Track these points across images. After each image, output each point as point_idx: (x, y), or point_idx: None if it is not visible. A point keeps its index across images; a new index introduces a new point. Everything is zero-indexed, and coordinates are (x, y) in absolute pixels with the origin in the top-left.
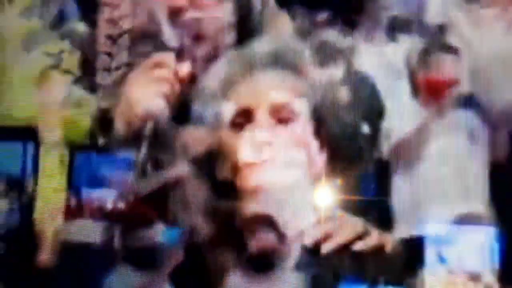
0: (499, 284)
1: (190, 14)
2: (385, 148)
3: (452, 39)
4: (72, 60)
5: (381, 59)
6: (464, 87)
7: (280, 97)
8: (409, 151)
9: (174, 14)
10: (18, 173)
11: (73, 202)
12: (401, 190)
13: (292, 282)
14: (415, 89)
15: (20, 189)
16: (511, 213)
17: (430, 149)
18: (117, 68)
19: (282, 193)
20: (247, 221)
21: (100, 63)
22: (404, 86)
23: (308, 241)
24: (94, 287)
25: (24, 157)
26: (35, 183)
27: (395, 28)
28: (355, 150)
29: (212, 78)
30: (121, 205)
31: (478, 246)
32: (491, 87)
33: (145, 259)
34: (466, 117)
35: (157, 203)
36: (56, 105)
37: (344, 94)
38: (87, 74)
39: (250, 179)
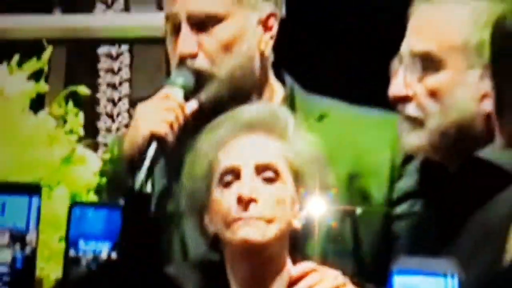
0: None
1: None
2: None
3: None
4: (75, 121)
5: None
6: None
7: (264, 158)
8: None
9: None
10: (23, 225)
11: (71, 253)
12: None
13: None
14: None
15: (23, 240)
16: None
17: None
18: (118, 129)
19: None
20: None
21: (102, 124)
22: None
23: None
24: None
25: (29, 211)
26: (38, 235)
27: None
28: None
29: (204, 138)
30: (115, 256)
31: None
32: None
33: None
34: None
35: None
36: (60, 163)
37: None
38: (90, 134)
39: (237, 233)
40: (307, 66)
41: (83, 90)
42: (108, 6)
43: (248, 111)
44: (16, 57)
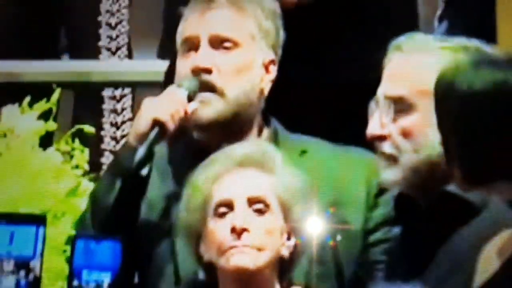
0: None
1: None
2: None
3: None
4: (81, 157)
5: None
6: None
7: (255, 192)
8: None
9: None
10: (29, 253)
11: (75, 283)
12: None
13: None
14: None
15: (28, 267)
16: None
17: None
18: None
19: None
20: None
21: (106, 160)
22: None
23: None
24: None
25: (36, 240)
26: (42, 262)
27: None
28: None
29: (200, 173)
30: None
31: None
32: None
33: None
34: None
35: None
36: (66, 195)
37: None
38: (94, 169)
39: (230, 260)
40: (290, 109)
41: (89, 129)
42: (113, 53)
43: (240, 148)
44: (27, 99)
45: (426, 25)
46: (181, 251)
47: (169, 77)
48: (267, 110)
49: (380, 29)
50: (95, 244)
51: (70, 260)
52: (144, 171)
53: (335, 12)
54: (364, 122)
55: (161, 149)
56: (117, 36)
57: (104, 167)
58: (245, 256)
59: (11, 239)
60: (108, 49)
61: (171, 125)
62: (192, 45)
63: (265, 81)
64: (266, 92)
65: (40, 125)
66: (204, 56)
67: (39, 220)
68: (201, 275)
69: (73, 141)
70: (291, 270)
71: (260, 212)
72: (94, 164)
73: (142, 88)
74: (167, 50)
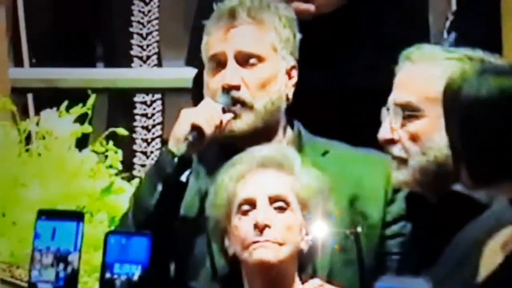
0: None
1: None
2: None
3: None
4: (115, 157)
5: None
6: None
7: (276, 191)
8: None
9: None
10: (70, 248)
11: (107, 276)
12: None
13: None
14: None
15: (66, 261)
16: None
17: None
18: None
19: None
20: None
21: (137, 160)
22: None
23: None
24: None
25: (76, 235)
26: (80, 256)
27: None
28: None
29: (225, 173)
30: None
31: None
32: None
33: None
34: None
35: None
36: (101, 193)
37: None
38: (127, 168)
39: (253, 254)
40: (308, 113)
41: (122, 131)
42: (143, 61)
43: (262, 150)
44: (64, 103)
45: (436, 36)
46: (217, 253)
47: (197, 84)
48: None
49: (394, 39)
50: (126, 240)
51: (103, 254)
52: (184, 177)
53: (352, 22)
54: (378, 127)
55: None
56: (148, 46)
57: (136, 167)
58: (267, 250)
59: (53, 234)
60: (139, 58)
61: (208, 130)
62: (220, 62)
63: (288, 86)
64: (290, 96)
65: (76, 127)
66: (232, 74)
67: (78, 216)
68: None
69: (107, 143)
70: (309, 263)
71: (280, 209)
72: (127, 164)
73: (171, 94)
74: (194, 59)
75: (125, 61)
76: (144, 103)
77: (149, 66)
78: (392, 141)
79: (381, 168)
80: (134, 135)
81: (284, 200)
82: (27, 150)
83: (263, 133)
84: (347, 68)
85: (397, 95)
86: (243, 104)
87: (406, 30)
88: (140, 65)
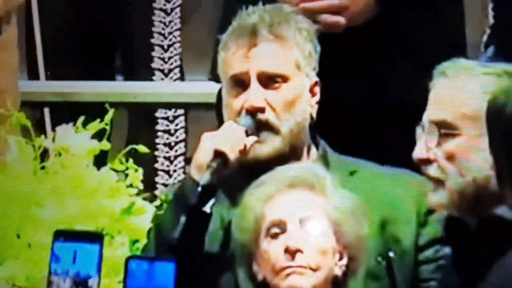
0: None
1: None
2: None
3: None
4: (135, 176)
5: None
6: None
7: (307, 213)
8: None
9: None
10: (92, 272)
11: None
12: None
13: None
14: None
15: (86, 287)
16: None
17: None
18: (174, 184)
19: None
20: None
21: (160, 179)
22: None
23: None
24: None
25: (99, 258)
26: (99, 280)
27: None
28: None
29: (251, 194)
30: None
31: None
32: None
33: None
34: None
35: None
36: (121, 213)
37: None
38: (148, 188)
39: (285, 280)
40: (340, 131)
41: (143, 148)
42: (165, 75)
43: (291, 170)
44: (81, 118)
45: (473, 50)
46: (243, 279)
47: (221, 99)
48: (314, 130)
49: (429, 53)
50: (149, 265)
51: (123, 280)
52: (208, 208)
53: (385, 35)
54: (412, 144)
55: None
56: (170, 58)
57: (158, 186)
58: (301, 277)
59: (74, 257)
60: (161, 71)
61: (232, 155)
62: (241, 82)
63: (312, 105)
64: (314, 115)
65: (94, 144)
66: (256, 96)
67: (99, 238)
68: None
69: (127, 160)
70: None
71: (312, 232)
72: (148, 184)
73: (194, 109)
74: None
75: (146, 74)
76: (167, 118)
77: (171, 79)
78: (427, 161)
79: (412, 188)
80: (155, 153)
81: (316, 222)
82: (42, 168)
83: (287, 155)
84: (379, 83)
85: (432, 112)
86: (268, 127)
87: (441, 43)
88: (162, 79)
